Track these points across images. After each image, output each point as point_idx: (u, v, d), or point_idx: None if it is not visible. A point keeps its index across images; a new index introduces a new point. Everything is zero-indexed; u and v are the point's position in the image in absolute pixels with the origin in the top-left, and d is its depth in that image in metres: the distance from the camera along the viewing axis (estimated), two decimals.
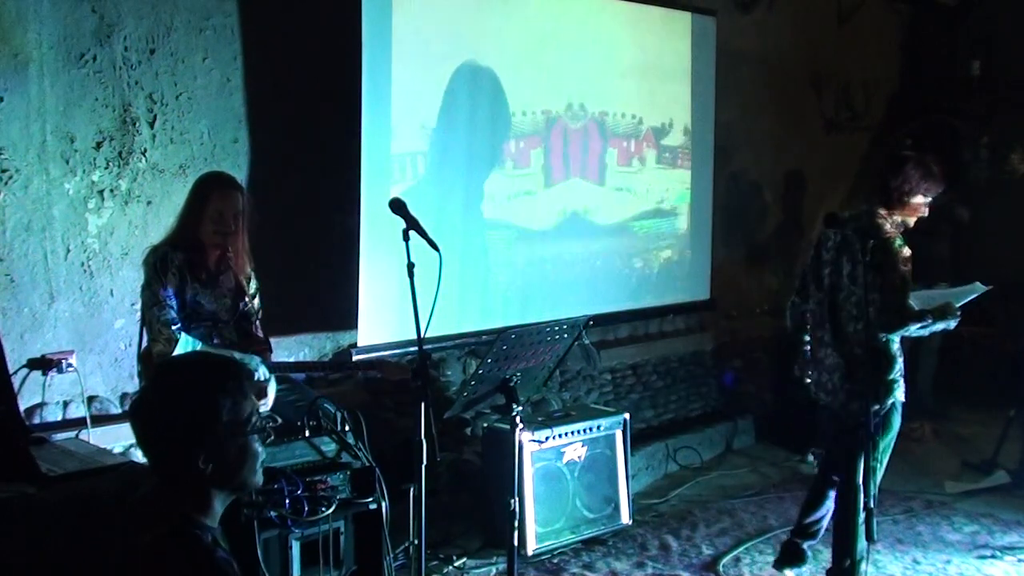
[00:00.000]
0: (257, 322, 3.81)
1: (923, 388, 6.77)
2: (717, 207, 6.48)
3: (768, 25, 6.86)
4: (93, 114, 3.88)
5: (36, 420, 3.76)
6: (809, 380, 4.12)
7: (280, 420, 3.40)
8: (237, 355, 3.48)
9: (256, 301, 3.81)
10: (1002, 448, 5.58)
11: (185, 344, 3.44)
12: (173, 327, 3.48)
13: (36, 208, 3.77)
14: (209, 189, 3.63)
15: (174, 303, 3.54)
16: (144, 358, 3.65)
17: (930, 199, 3.90)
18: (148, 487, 2.02)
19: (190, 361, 2.15)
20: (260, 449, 1.98)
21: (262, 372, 3.49)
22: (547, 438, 4.44)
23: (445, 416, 3.46)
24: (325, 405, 3.56)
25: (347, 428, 3.51)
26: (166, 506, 1.90)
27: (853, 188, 7.78)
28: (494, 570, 4.30)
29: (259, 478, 2.00)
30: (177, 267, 3.56)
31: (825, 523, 4.15)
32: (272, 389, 3.57)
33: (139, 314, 4.04)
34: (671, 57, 6.04)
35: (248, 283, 3.77)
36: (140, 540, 1.85)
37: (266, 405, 3.48)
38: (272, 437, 3.14)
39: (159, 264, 3.53)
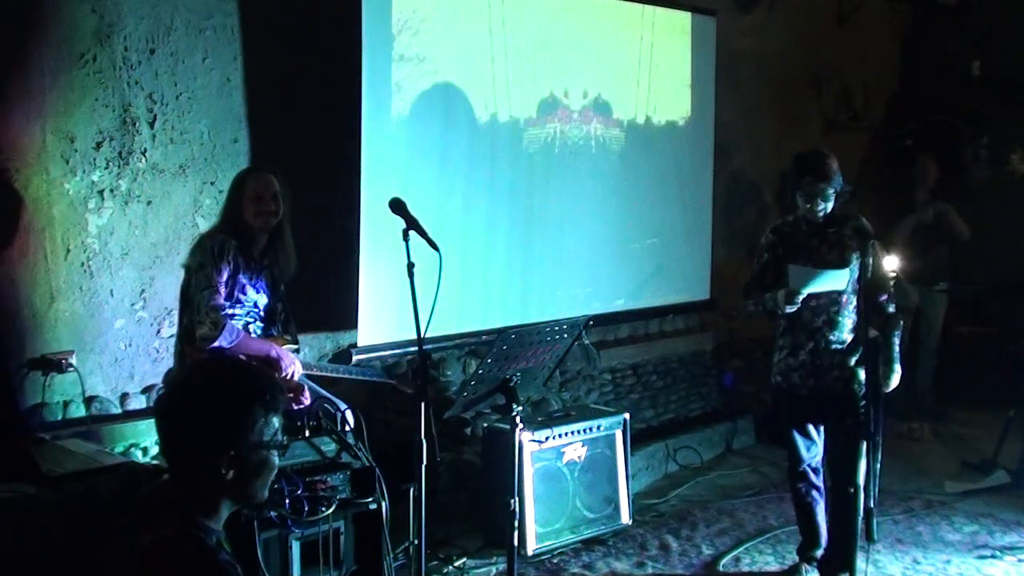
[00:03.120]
0: (280, 323, 3.83)
1: (923, 388, 6.78)
2: (717, 207, 6.48)
3: (768, 25, 6.86)
4: (93, 114, 3.88)
5: (36, 420, 3.76)
6: None
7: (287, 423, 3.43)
8: (276, 347, 3.56)
9: (282, 303, 3.83)
10: (1002, 448, 5.58)
11: (230, 331, 3.49)
12: (221, 312, 3.52)
13: (36, 208, 3.77)
14: (244, 175, 3.75)
15: (224, 290, 3.57)
16: (184, 337, 3.65)
17: (806, 191, 3.88)
18: (152, 486, 2.02)
19: (233, 365, 2.14)
20: (277, 463, 1.99)
21: (297, 368, 3.58)
22: (547, 438, 4.44)
23: (445, 416, 3.46)
24: (325, 405, 3.57)
25: (347, 428, 3.51)
26: (172, 506, 1.90)
27: (853, 188, 7.77)
28: (494, 570, 4.30)
29: (266, 493, 2.01)
30: (233, 256, 3.60)
31: None
32: (306, 389, 3.63)
33: (139, 315, 4.05)
34: (671, 57, 6.04)
35: (279, 282, 3.81)
36: (143, 540, 1.85)
37: (304, 403, 3.55)
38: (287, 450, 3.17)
39: (217, 249, 3.57)
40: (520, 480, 3.93)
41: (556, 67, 5.39)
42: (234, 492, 1.94)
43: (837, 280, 3.85)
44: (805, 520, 4.19)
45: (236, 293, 3.63)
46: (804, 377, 3.97)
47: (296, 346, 3.81)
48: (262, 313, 3.75)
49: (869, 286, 3.84)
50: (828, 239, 3.95)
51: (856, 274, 3.86)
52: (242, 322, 3.65)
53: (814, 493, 4.12)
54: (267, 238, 3.73)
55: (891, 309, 3.98)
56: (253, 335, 3.70)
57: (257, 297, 3.71)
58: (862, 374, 3.91)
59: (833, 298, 3.90)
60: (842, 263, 3.89)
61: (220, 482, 1.90)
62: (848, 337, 3.93)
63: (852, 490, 3.84)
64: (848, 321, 3.93)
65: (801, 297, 3.80)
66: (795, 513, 4.26)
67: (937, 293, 6.65)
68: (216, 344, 3.43)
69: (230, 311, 3.61)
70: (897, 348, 3.98)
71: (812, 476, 4.11)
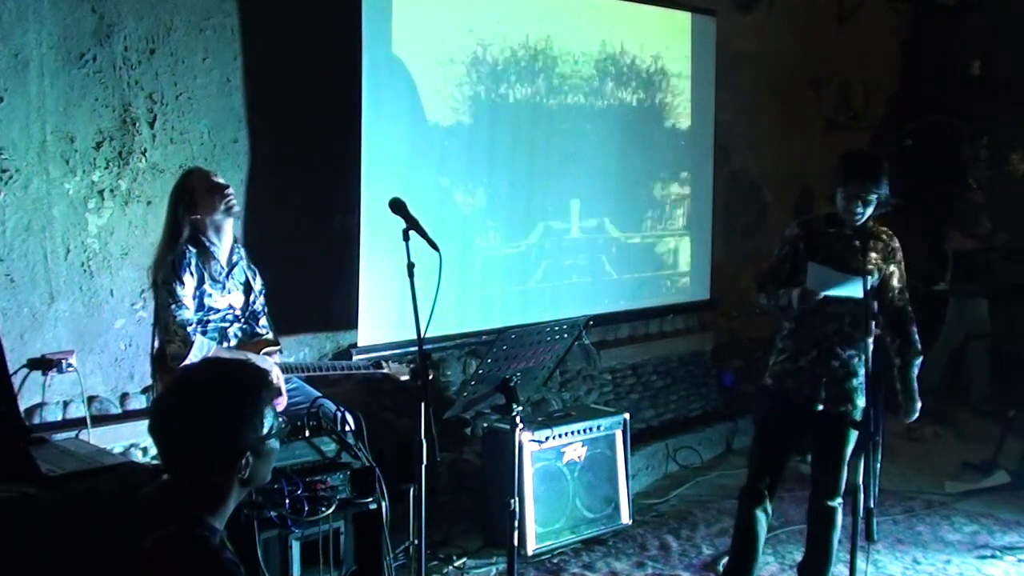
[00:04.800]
0: (265, 319, 3.82)
1: (928, 388, 6.77)
2: (717, 207, 6.48)
3: (768, 25, 6.86)
4: (93, 114, 3.88)
5: (36, 420, 3.76)
6: None
7: (287, 421, 3.43)
8: (251, 357, 3.50)
9: (262, 298, 3.82)
10: (1002, 448, 5.58)
11: (200, 347, 3.44)
12: (188, 328, 3.48)
13: (36, 208, 3.77)
14: (186, 180, 3.68)
15: (190, 303, 3.53)
16: (157, 359, 3.64)
17: (850, 192, 3.63)
18: (152, 486, 2.02)
19: (228, 365, 2.17)
20: (277, 448, 2.08)
21: (276, 373, 3.51)
22: (547, 438, 4.44)
23: (445, 416, 3.46)
24: (325, 405, 3.57)
25: (347, 428, 3.51)
26: (174, 506, 1.90)
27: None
28: (494, 570, 4.30)
29: (269, 475, 2.10)
30: (196, 266, 3.55)
31: None
32: (285, 390, 3.59)
33: (139, 315, 4.05)
34: (671, 57, 6.04)
35: (254, 278, 3.79)
36: (144, 540, 1.85)
37: (280, 406, 3.50)
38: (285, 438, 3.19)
39: (177, 263, 3.52)
40: (520, 480, 3.93)
41: (557, 67, 5.39)
42: (248, 483, 2.00)
43: (855, 285, 3.56)
44: (745, 543, 3.91)
45: (206, 301, 3.58)
46: (799, 384, 3.74)
47: (277, 347, 3.77)
48: (239, 314, 3.71)
49: (894, 308, 3.74)
50: (854, 247, 3.64)
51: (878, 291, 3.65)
52: (217, 330, 3.62)
53: (762, 517, 3.86)
54: (232, 233, 3.70)
55: (916, 341, 3.79)
56: (234, 338, 3.67)
57: (231, 298, 3.67)
58: (860, 401, 3.72)
59: (850, 308, 3.65)
60: (864, 274, 3.58)
61: (237, 479, 1.93)
62: (857, 356, 3.70)
63: (833, 505, 3.79)
64: (856, 334, 3.67)
65: (818, 299, 3.58)
66: (733, 533, 4.00)
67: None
68: (187, 362, 3.38)
69: (206, 318, 3.58)
70: (916, 381, 3.80)
71: (767, 499, 3.85)
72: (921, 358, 3.82)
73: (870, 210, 3.66)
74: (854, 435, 3.75)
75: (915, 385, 3.81)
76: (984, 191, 6.85)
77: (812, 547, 3.93)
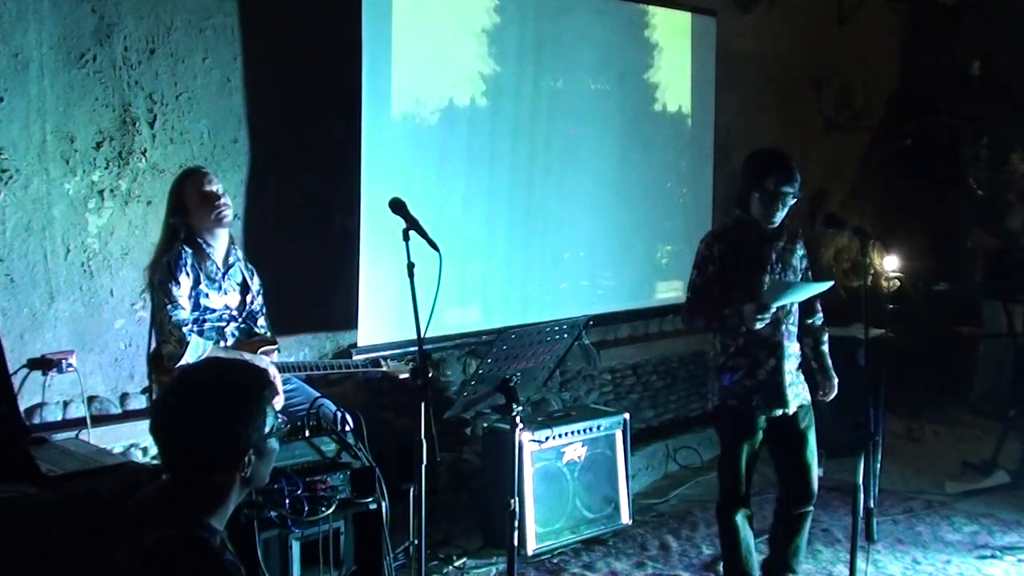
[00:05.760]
0: (263, 320, 3.82)
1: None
2: (717, 207, 6.48)
3: (768, 25, 6.86)
4: (93, 114, 3.88)
5: (36, 420, 3.76)
6: None
7: (287, 421, 3.44)
8: (248, 356, 3.50)
9: (260, 299, 3.82)
10: (1002, 448, 5.58)
11: (196, 347, 3.44)
12: (184, 328, 3.48)
13: (36, 208, 3.77)
14: (181, 181, 3.67)
15: (186, 303, 3.54)
16: (153, 359, 3.64)
17: (770, 193, 3.53)
18: (152, 486, 2.03)
19: (228, 367, 2.17)
20: (277, 448, 2.09)
21: (273, 372, 3.51)
22: (547, 438, 4.44)
23: (445, 416, 3.46)
24: (325, 406, 3.57)
25: (347, 428, 3.51)
26: (174, 506, 1.90)
27: (853, 188, 7.78)
28: (494, 570, 4.30)
29: (269, 474, 2.10)
30: (191, 266, 3.56)
31: None
32: (282, 389, 3.59)
33: (139, 315, 4.05)
34: (671, 57, 6.04)
35: (252, 278, 3.79)
36: (144, 540, 1.85)
37: (278, 405, 3.50)
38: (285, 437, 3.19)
39: (172, 263, 3.52)
40: (520, 480, 3.93)
41: (556, 66, 5.39)
42: (249, 483, 2.01)
43: (811, 292, 3.61)
44: (736, 555, 3.81)
45: (202, 302, 3.59)
46: (767, 398, 3.65)
47: (275, 346, 3.76)
48: (236, 314, 3.71)
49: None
50: (777, 249, 3.66)
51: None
52: (214, 329, 3.62)
53: (746, 524, 3.79)
54: (226, 238, 3.70)
55: (820, 319, 3.85)
56: (231, 337, 3.67)
57: (227, 299, 3.67)
58: (806, 392, 3.75)
59: (788, 309, 3.66)
60: (795, 275, 3.69)
61: (239, 479, 1.93)
62: (796, 348, 3.74)
63: (809, 511, 3.78)
64: (795, 330, 3.72)
65: (771, 311, 3.49)
66: (726, 548, 3.86)
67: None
68: (183, 362, 3.38)
69: (203, 318, 3.58)
70: (828, 357, 3.82)
71: (746, 507, 3.77)
72: (827, 332, 3.87)
73: (786, 211, 3.58)
74: (814, 433, 3.77)
75: (829, 361, 3.84)
76: (1016, 191, 6.79)
77: (780, 549, 3.87)
